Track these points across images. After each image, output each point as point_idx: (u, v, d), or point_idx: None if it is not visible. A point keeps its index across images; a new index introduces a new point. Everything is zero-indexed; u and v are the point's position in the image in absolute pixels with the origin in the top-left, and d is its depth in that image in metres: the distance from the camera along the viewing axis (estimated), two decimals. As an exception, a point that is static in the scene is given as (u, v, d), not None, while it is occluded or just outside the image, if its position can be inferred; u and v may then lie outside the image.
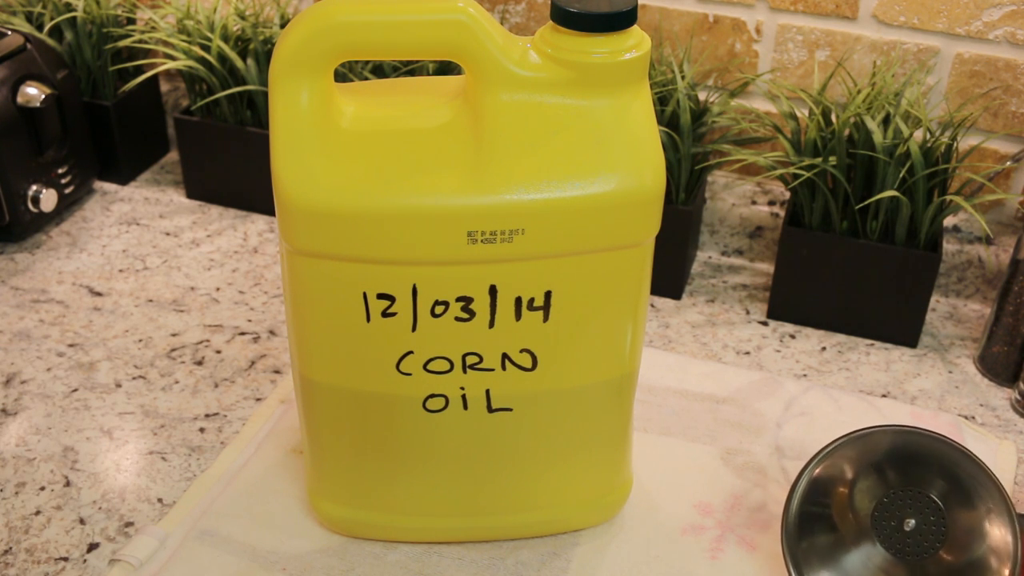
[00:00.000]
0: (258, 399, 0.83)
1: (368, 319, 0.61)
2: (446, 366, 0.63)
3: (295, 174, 0.57)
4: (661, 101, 0.93)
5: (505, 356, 0.62)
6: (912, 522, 0.66)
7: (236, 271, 0.98)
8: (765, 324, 0.94)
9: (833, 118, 0.89)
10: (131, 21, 1.09)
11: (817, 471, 0.67)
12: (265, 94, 1.01)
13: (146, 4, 1.12)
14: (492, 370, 0.63)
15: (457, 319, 0.61)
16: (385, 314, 0.60)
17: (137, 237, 1.02)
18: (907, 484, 0.66)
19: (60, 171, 1.02)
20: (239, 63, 1.00)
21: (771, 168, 0.90)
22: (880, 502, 0.67)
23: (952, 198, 0.85)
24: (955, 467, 0.65)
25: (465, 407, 0.64)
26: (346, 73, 0.99)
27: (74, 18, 1.05)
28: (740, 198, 1.01)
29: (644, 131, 0.59)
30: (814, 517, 0.67)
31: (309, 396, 0.65)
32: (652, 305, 0.95)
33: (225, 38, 1.01)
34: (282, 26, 1.03)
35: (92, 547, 0.70)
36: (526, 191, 0.57)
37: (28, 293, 0.94)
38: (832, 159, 0.86)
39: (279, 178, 0.58)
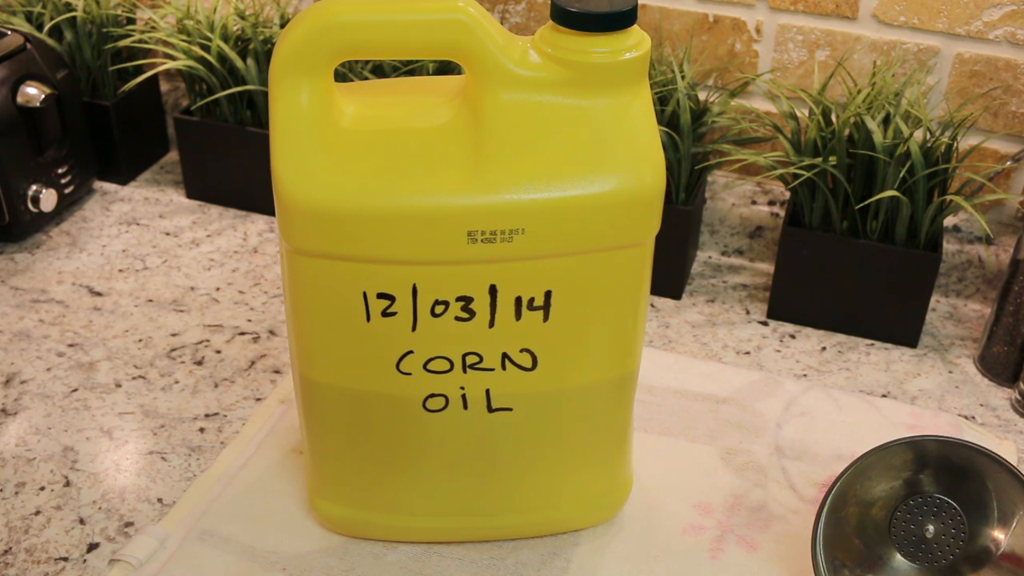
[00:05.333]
0: (258, 399, 0.83)
1: (368, 319, 0.61)
2: (446, 366, 0.63)
3: (295, 174, 0.57)
4: (661, 101, 0.93)
5: (505, 356, 0.62)
6: (931, 528, 0.66)
7: (236, 271, 0.98)
8: (765, 324, 0.94)
9: (833, 118, 0.89)
10: (131, 21, 1.09)
11: (843, 482, 0.66)
12: (265, 94, 1.01)
13: (146, 4, 1.12)
14: (492, 370, 0.63)
15: (457, 319, 0.61)
16: (385, 314, 0.60)
17: (137, 237, 1.02)
18: (926, 490, 0.66)
19: (60, 171, 1.02)
20: (239, 63, 1.00)
21: (771, 168, 0.90)
22: (899, 509, 0.66)
23: (952, 198, 0.85)
24: (983, 474, 0.65)
25: (465, 407, 0.64)
26: (346, 73, 0.99)
27: (74, 18, 1.05)
28: (740, 198, 1.01)
29: (644, 131, 0.59)
30: (840, 526, 0.67)
31: (309, 396, 0.65)
32: (652, 305, 0.95)
33: (225, 38, 1.01)
34: (282, 26, 1.03)
35: (92, 547, 0.70)
36: (526, 191, 0.57)
37: (28, 293, 0.94)
38: (832, 159, 0.86)
39: (279, 178, 0.58)
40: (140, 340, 0.88)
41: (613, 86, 0.58)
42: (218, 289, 0.95)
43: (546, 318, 0.61)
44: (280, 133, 0.58)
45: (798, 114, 0.92)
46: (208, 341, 0.88)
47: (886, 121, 0.87)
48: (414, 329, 0.61)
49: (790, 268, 0.91)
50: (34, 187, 0.99)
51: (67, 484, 0.75)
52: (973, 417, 0.84)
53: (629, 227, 0.60)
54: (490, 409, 0.64)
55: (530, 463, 0.67)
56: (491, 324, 0.61)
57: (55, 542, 0.70)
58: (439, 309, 0.60)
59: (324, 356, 0.63)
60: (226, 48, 0.99)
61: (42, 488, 0.74)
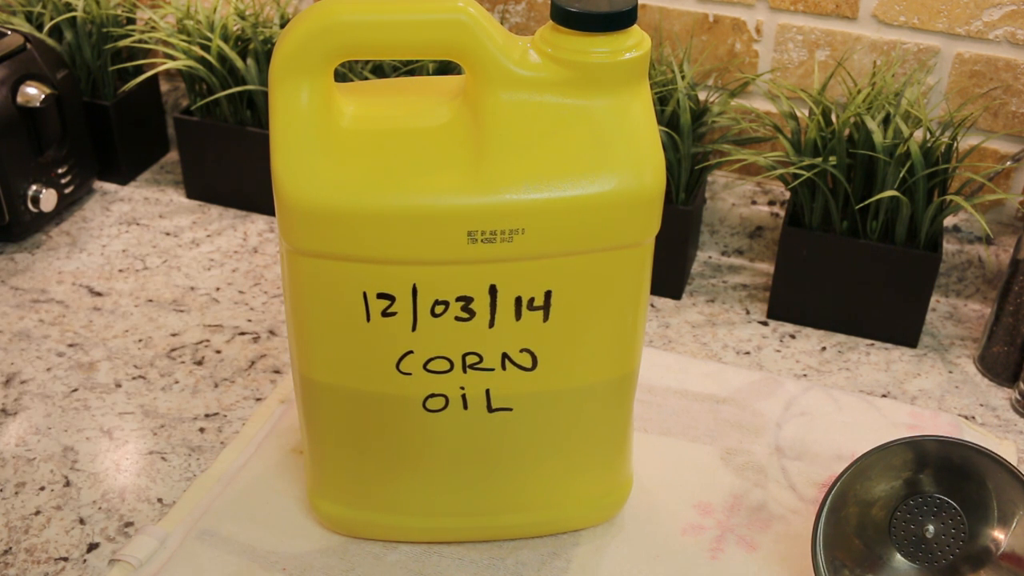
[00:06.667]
0: (258, 399, 0.83)
1: (368, 319, 0.61)
2: (446, 366, 0.63)
3: (295, 174, 0.57)
4: (661, 101, 0.93)
5: (505, 356, 0.62)
6: (931, 528, 0.66)
7: (236, 271, 0.98)
8: (765, 324, 0.94)
9: (833, 118, 0.89)
10: (131, 21, 1.09)
11: (843, 482, 0.66)
12: (265, 94, 1.01)
13: (146, 4, 1.12)
14: (492, 370, 0.63)
15: (457, 319, 0.61)
16: (385, 314, 0.60)
17: (137, 237, 1.02)
18: (926, 490, 0.66)
19: (60, 171, 1.02)
20: (239, 63, 1.00)
21: (771, 168, 0.90)
22: (899, 509, 0.66)
23: (952, 198, 0.85)
24: (983, 474, 0.65)
25: (465, 407, 0.64)
26: (346, 73, 0.99)
27: (74, 18, 1.05)
28: (740, 198, 1.01)
29: (644, 131, 0.59)
30: (840, 526, 0.67)
31: (309, 396, 0.65)
32: (652, 305, 0.95)
33: (225, 38, 1.01)
34: (282, 26, 1.03)
35: (92, 547, 0.70)
36: (526, 191, 0.57)
37: (28, 293, 0.94)
38: (832, 159, 0.86)
39: (279, 178, 0.58)
40: (140, 340, 0.88)
41: (613, 86, 0.58)
42: (218, 289, 0.95)
43: (546, 318, 0.61)
44: (280, 133, 0.58)
45: (798, 114, 0.92)
46: (208, 341, 0.88)
47: (886, 121, 0.87)
48: (414, 329, 0.61)
49: (790, 268, 0.91)
50: (34, 187, 0.99)
51: (67, 484, 0.75)
52: (973, 417, 0.84)
53: (629, 227, 0.60)
54: (490, 409, 0.64)
55: (530, 463, 0.67)
56: (491, 324, 0.61)
57: (55, 542, 0.70)
58: (439, 309, 0.60)
59: (324, 356, 0.63)
60: (226, 48, 0.99)
61: (42, 488, 0.74)
